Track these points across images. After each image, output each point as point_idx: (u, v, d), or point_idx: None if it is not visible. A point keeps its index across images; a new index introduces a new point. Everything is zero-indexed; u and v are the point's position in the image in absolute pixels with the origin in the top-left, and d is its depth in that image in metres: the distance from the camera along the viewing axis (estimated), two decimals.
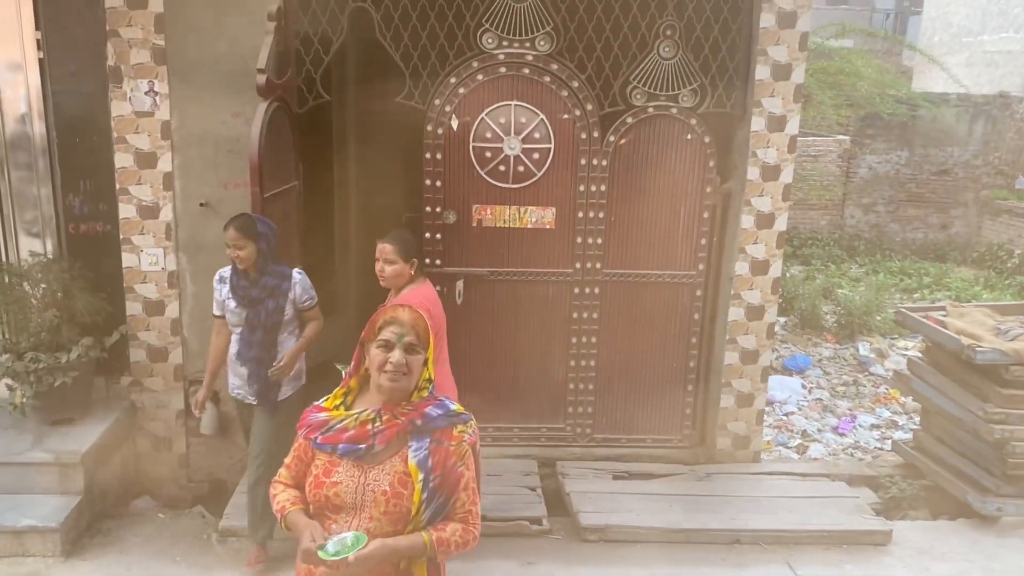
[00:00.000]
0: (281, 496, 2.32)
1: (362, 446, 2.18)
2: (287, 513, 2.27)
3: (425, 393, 2.26)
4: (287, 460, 2.37)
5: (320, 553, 2.08)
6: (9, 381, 4.50)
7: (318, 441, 2.23)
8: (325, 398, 2.33)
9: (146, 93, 4.52)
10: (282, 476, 2.37)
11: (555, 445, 5.20)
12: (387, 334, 2.19)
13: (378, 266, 3.81)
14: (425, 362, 2.24)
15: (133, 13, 4.43)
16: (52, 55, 4.53)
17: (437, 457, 2.19)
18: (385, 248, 3.78)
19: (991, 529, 4.72)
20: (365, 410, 2.22)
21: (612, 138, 4.83)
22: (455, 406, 2.28)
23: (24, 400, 4.43)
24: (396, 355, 2.17)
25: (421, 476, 2.16)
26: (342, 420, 2.22)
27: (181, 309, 4.79)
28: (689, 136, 4.87)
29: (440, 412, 2.24)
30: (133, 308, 4.76)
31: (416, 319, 2.23)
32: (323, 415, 2.27)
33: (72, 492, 4.37)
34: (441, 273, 4.93)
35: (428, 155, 4.82)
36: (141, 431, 4.93)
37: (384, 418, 2.19)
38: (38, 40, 4.51)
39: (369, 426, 2.19)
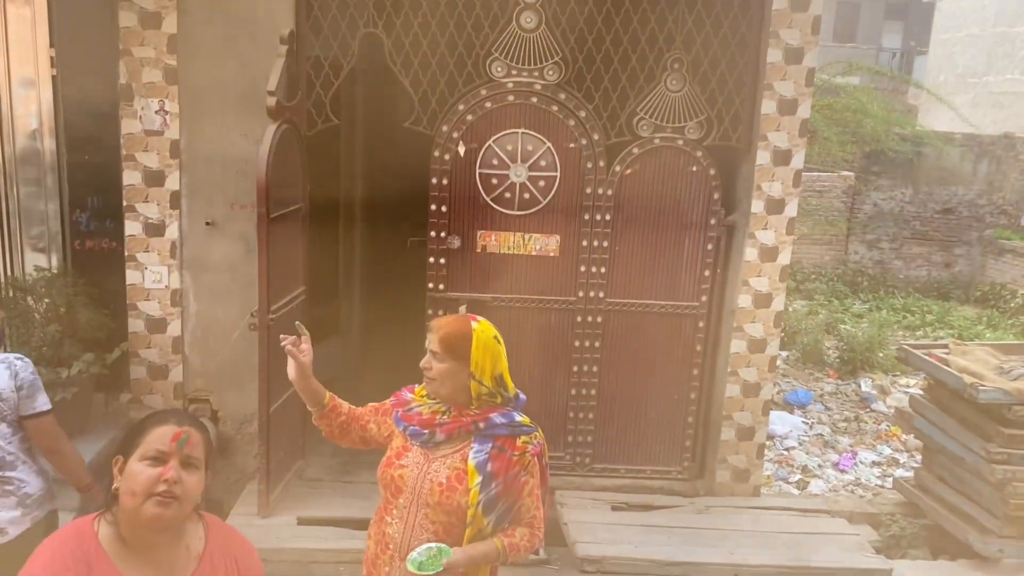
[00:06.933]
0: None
1: (426, 432, 2.41)
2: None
3: (498, 400, 2.46)
4: (374, 404, 2.62)
5: (409, 565, 2.28)
6: None
7: (398, 415, 2.50)
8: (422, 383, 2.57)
9: (156, 112, 4.56)
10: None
11: (554, 474, 5.11)
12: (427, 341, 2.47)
13: None
14: (471, 375, 2.40)
15: (146, 33, 4.48)
16: (65, 72, 4.58)
17: (498, 464, 2.39)
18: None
19: (992, 570, 4.65)
20: (438, 402, 2.46)
21: (618, 168, 4.86)
22: (521, 418, 2.50)
23: None
24: (425, 360, 2.44)
25: (479, 479, 2.36)
26: (420, 405, 2.49)
27: (183, 327, 4.79)
28: (694, 168, 4.89)
29: (503, 421, 2.44)
30: (135, 325, 4.76)
31: (448, 331, 2.42)
32: (410, 396, 2.55)
33: (67, 509, 4.33)
34: (444, 298, 4.93)
35: (434, 180, 4.84)
36: None
37: (452, 414, 2.43)
38: (52, 57, 4.56)
39: (437, 417, 2.43)
